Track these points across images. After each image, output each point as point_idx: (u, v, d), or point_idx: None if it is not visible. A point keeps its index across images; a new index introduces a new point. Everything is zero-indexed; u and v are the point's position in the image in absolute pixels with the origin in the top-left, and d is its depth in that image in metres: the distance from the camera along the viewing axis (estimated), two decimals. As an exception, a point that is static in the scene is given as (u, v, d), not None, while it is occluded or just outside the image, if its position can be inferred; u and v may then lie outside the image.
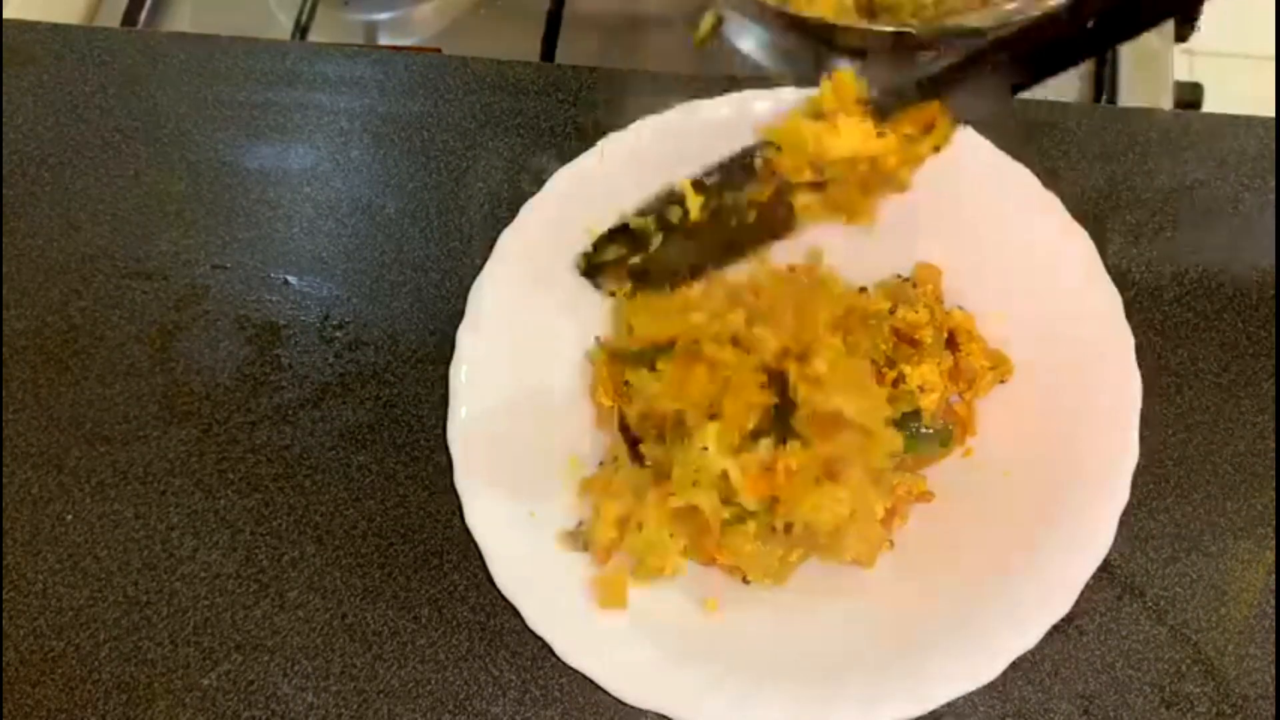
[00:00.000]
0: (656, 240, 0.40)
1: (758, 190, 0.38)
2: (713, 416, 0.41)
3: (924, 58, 0.55)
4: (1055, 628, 0.38)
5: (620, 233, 0.40)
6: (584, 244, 0.45)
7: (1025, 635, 0.38)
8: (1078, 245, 0.43)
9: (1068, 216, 0.43)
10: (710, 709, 0.38)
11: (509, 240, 0.45)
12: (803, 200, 0.38)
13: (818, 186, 0.37)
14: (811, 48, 0.61)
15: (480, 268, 0.44)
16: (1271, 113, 0.53)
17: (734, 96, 0.46)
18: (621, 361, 0.45)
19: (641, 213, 0.40)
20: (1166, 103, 0.60)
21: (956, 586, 0.40)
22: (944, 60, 0.34)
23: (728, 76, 0.56)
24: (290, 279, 0.53)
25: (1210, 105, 0.61)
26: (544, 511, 0.42)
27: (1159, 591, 0.44)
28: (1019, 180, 0.44)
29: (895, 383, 0.43)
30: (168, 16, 0.70)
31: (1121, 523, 0.39)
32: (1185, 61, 0.68)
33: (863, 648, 0.40)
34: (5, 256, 0.54)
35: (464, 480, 0.41)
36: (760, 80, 0.48)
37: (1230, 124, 0.53)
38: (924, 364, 0.43)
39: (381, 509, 0.47)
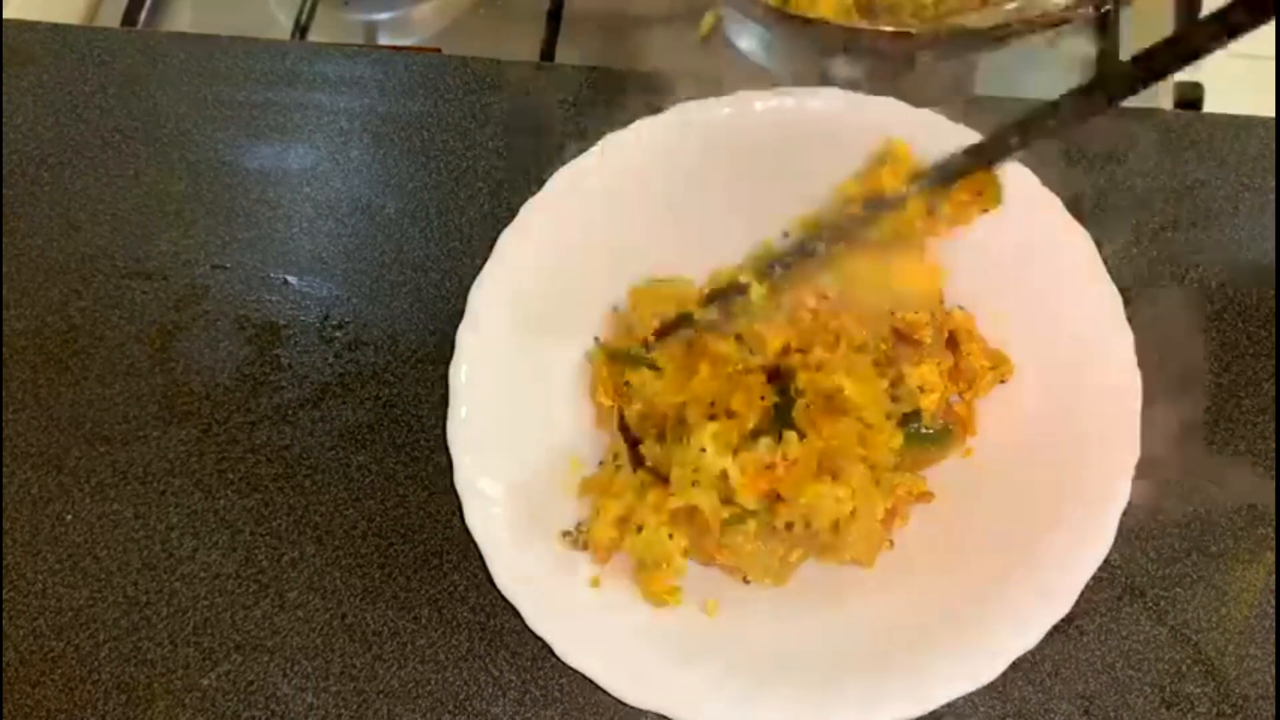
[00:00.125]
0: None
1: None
2: (713, 416, 0.41)
3: (923, 58, 0.55)
4: (1055, 628, 0.38)
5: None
6: (585, 243, 0.45)
7: (1025, 635, 0.38)
8: (1078, 245, 0.43)
9: (1068, 216, 0.43)
10: (710, 709, 0.38)
11: (509, 240, 0.45)
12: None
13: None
14: (811, 48, 0.61)
15: (480, 268, 0.44)
16: (1271, 113, 0.53)
17: (734, 96, 0.46)
18: (621, 361, 0.45)
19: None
20: (1166, 103, 0.60)
21: (956, 586, 0.40)
22: (994, 130, 0.33)
23: (728, 76, 0.56)
24: (290, 279, 0.53)
25: (1210, 105, 0.61)
26: (544, 511, 0.42)
27: (1159, 591, 0.44)
28: (1019, 180, 0.44)
29: (895, 383, 0.43)
30: (168, 16, 0.70)
31: (1121, 523, 0.39)
32: (1185, 61, 0.68)
33: (863, 648, 0.40)
34: (5, 256, 0.54)
35: (464, 480, 0.41)
36: (760, 80, 0.48)
37: (1230, 124, 0.53)
38: (924, 364, 0.43)
39: (381, 509, 0.47)
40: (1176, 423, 0.46)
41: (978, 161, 0.34)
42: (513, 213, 0.45)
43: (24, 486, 0.49)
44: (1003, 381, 0.44)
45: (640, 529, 0.41)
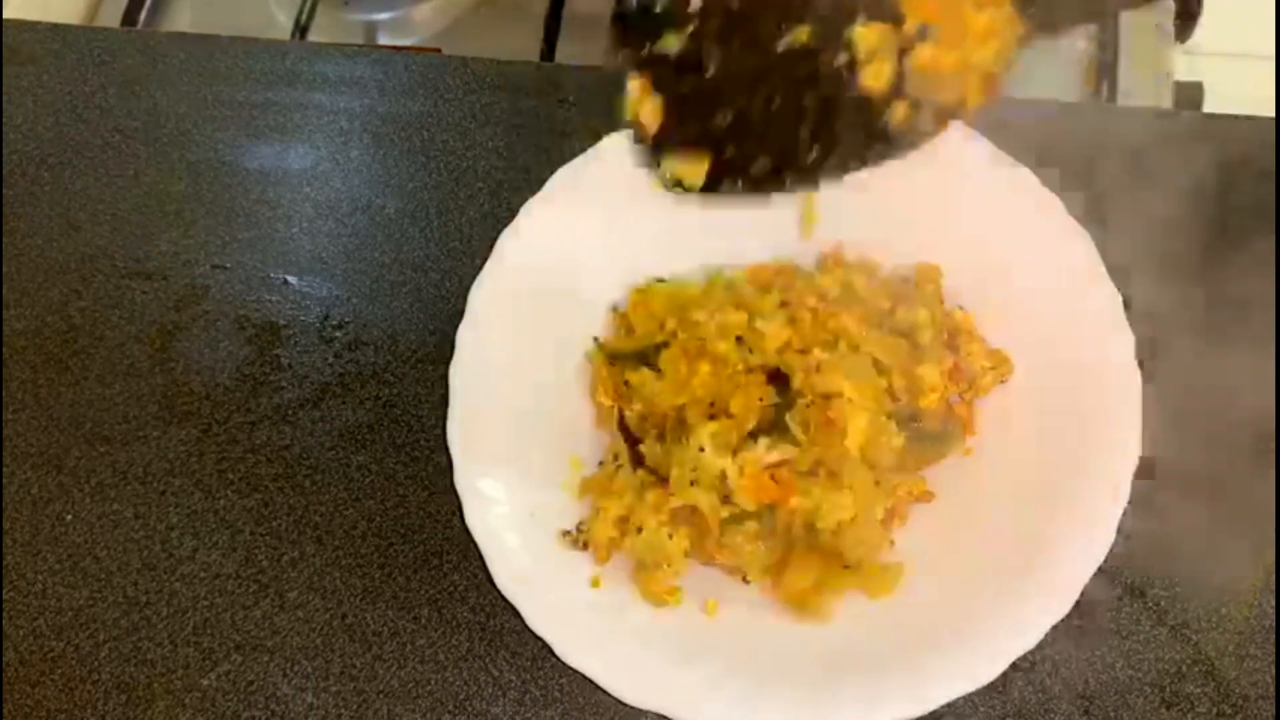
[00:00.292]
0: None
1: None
2: (712, 417, 0.41)
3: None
4: (1055, 628, 0.38)
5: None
6: (585, 243, 0.45)
7: (1025, 635, 0.38)
8: (1078, 245, 0.43)
9: (1068, 216, 0.43)
10: (710, 709, 0.38)
11: (509, 240, 0.45)
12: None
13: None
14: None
15: (480, 268, 0.44)
16: (1271, 113, 0.53)
17: (734, 96, 0.46)
18: (621, 361, 0.45)
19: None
20: (1166, 103, 0.60)
21: (956, 586, 0.40)
22: None
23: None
24: (290, 279, 0.53)
25: (1210, 105, 0.61)
26: (544, 511, 0.42)
27: (1159, 591, 0.44)
28: (1019, 180, 0.44)
29: (894, 383, 0.43)
30: (168, 16, 0.70)
31: (1121, 523, 0.39)
32: (1185, 61, 0.68)
33: (863, 648, 0.40)
34: (5, 256, 0.54)
35: (464, 480, 0.41)
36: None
37: (1230, 124, 0.53)
38: (924, 364, 0.43)
39: (381, 509, 0.47)
40: (1176, 422, 0.46)
41: None
42: (513, 213, 0.45)
43: (24, 486, 0.49)
44: (1003, 381, 0.44)
45: (640, 529, 0.41)
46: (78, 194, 0.55)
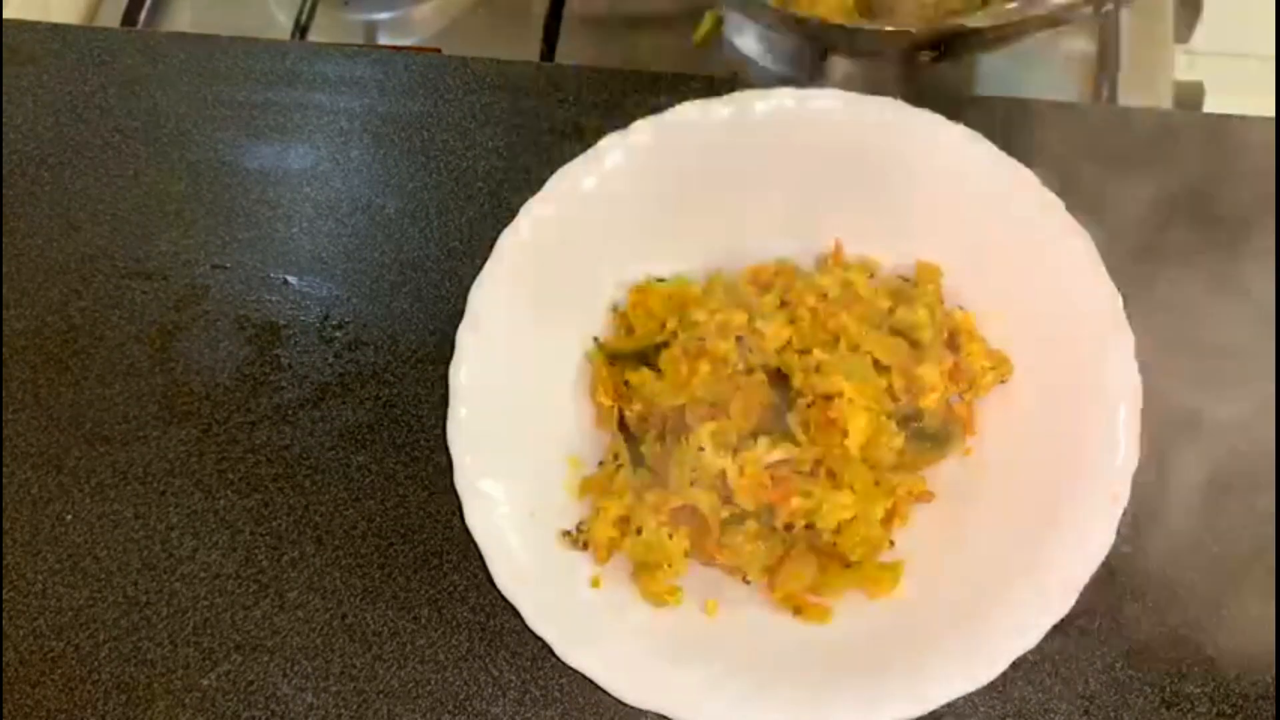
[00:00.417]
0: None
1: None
2: (713, 416, 0.41)
3: (923, 58, 0.55)
4: (1055, 628, 0.38)
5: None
6: (585, 243, 0.45)
7: (1025, 635, 0.38)
8: (1078, 245, 0.43)
9: (1068, 216, 0.43)
10: (710, 709, 0.38)
11: (509, 240, 0.45)
12: None
13: None
14: (811, 48, 0.61)
15: (480, 268, 0.44)
16: (1271, 113, 0.53)
17: (734, 96, 0.46)
18: (621, 361, 0.45)
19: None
20: (1166, 103, 0.60)
21: (956, 587, 0.40)
22: None
23: (728, 76, 0.56)
24: (290, 279, 0.53)
25: (1210, 105, 0.61)
26: (544, 511, 0.42)
27: (1159, 591, 0.44)
28: (1019, 180, 0.44)
29: (894, 383, 0.43)
30: (168, 16, 0.70)
31: (1121, 523, 0.39)
32: (1185, 61, 0.68)
33: (862, 648, 0.40)
34: (5, 256, 0.54)
35: (464, 480, 0.41)
36: (760, 80, 0.48)
37: (1230, 124, 0.53)
38: (924, 364, 0.43)
39: (381, 509, 0.47)
40: (1176, 422, 0.46)
41: None
42: (513, 213, 0.45)
43: (24, 486, 0.49)
44: (1003, 381, 0.44)
45: (640, 529, 0.41)
46: (78, 194, 0.55)
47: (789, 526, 0.41)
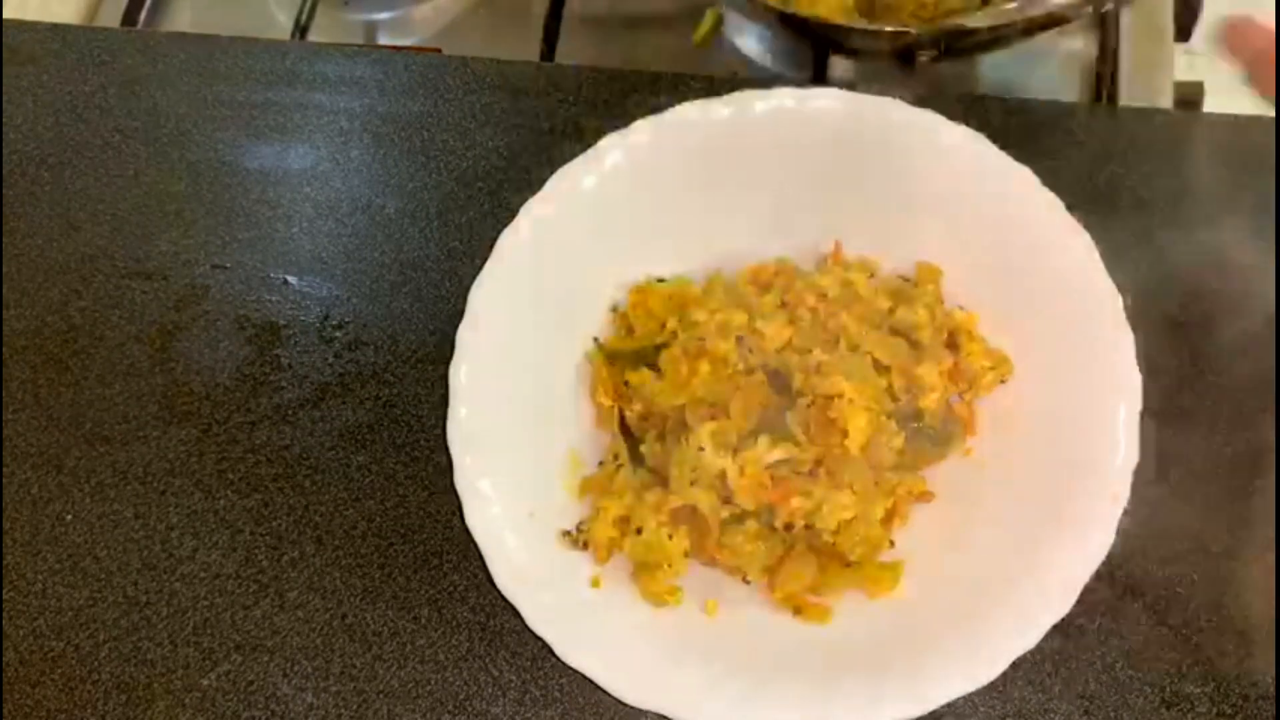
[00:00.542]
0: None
1: None
2: (713, 416, 0.41)
3: (923, 58, 0.55)
4: (1055, 628, 0.38)
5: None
6: (584, 243, 0.45)
7: (1025, 635, 0.38)
8: (1078, 245, 0.43)
9: (1068, 216, 0.43)
10: (710, 709, 0.38)
11: (509, 240, 0.45)
12: None
13: None
14: (811, 48, 0.61)
15: (480, 268, 0.44)
16: (1271, 113, 0.53)
17: (734, 96, 0.46)
18: (621, 361, 0.45)
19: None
20: (1166, 103, 0.60)
21: (956, 587, 0.40)
22: None
23: (728, 76, 0.56)
24: (290, 279, 0.53)
25: (1210, 105, 0.61)
26: (544, 511, 0.42)
27: (1159, 591, 0.44)
28: (1019, 180, 0.44)
29: (894, 383, 0.43)
30: (168, 16, 0.70)
31: (1121, 523, 0.39)
32: (1185, 61, 0.68)
33: (862, 648, 0.40)
34: (5, 256, 0.54)
35: (464, 480, 0.41)
36: (760, 80, 0.48)
37: (1230, 124, 0.53)
38: (924, 364, 0.43)
39: (381, 509, 0.47)
40: (1176, 422, 0.46)
41: None
42: (513, 213, 0.45)
43: (24, 486, 0.49)
44: (1003, 381, 0.44)
45: (640, 529, 0.41)
46: (78, 194, 0.55)
47: (789, 526, 0.41)
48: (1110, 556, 0.39)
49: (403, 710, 0.44)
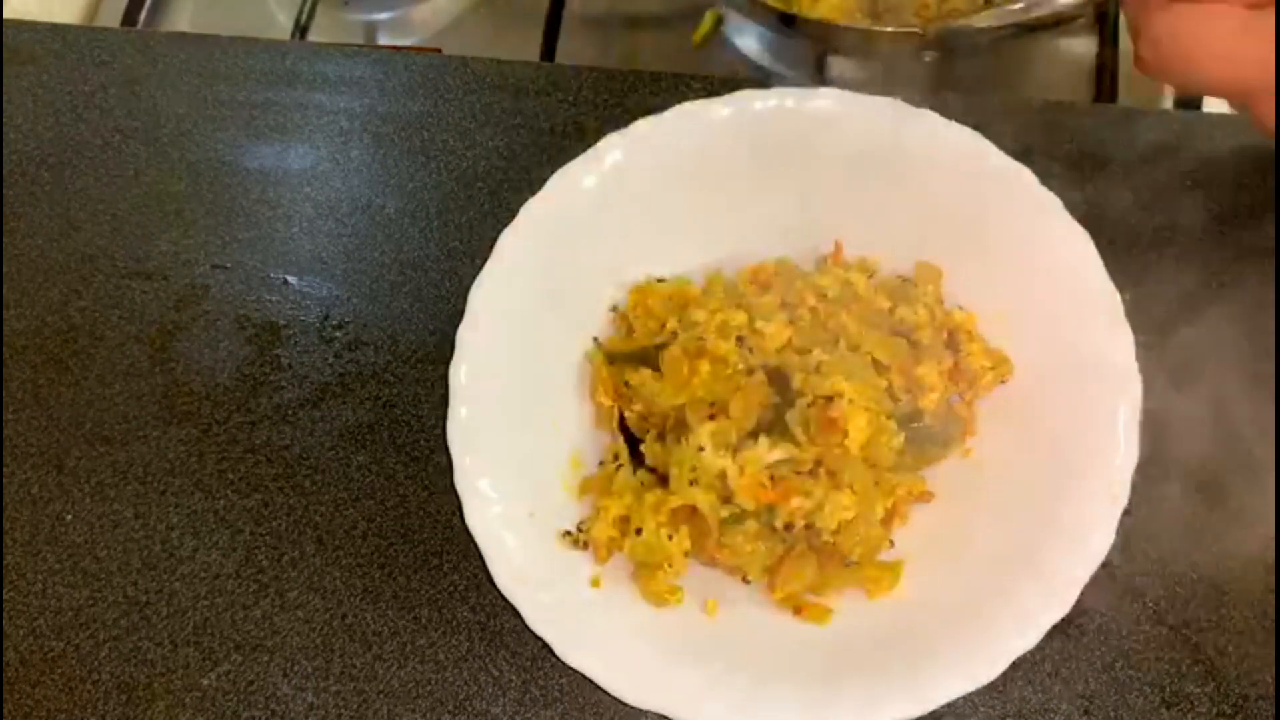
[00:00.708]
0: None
1: None
2: (713, 416, 0.41)
3: (924, 58, 0.55)
4: (1055, 628, 0.38)
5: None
6: (585, 243, 0.45)
7: (1025, 635, 0.38)
8: (1078, 245, 0.43)
9: (1068, 216, 0.43)
10: (710, 709, 0.38)
11: (509, 240, 0.45)
12: None
13: None
14: (812, 48, 0.61)
15: (480, 268, 0.44)
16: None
17: (734, 96, 0.46)
18: (621, 361, 0.45)
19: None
20: (1166, 103, 0.60)
21: (956, 587, 0.40)
22: None
23: (728, 76, 0.56)
24: (290, 279, 0.53)
25: (1210, 105, 0.61)
26: (544, 511, 0.42)
27: (1159, 591, 0.44)
28: (1019, 180, 0.44)
29: (894, 383, 0.43)
30: (168, 16, 0.70)
31: (1121, 523, 0.39)
32: (1185, 61, 0.68)
33: (863, 648, 0.40)
34: (5, 256, 0.54)
35: (464, 480, 0.41)
36: (760, 80, 0.48)
37: (1230, 124, 0.53)
38: (924, 364, 0.43)
39: (381, 509, 0.47)
40: (1176, 422, 0.46)
41: None
42: (513, 213, 0.45)
43: (24, 486, 0.49)
44: (1003, 381, 0.44)
45: (640, 529, 0.41)
46: (78, 194, 0.55)
47: (789, 526, 0.41)
48: (1110, 556, 0.39)
49: (403, 710, 0.44)
